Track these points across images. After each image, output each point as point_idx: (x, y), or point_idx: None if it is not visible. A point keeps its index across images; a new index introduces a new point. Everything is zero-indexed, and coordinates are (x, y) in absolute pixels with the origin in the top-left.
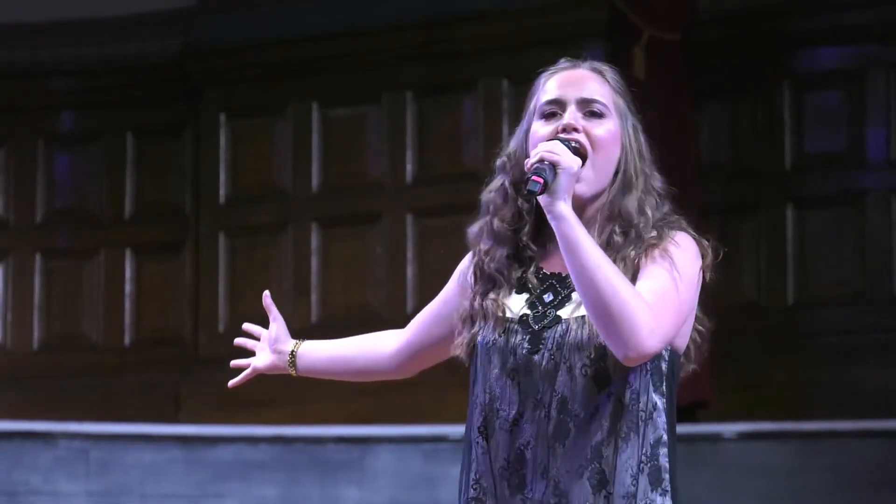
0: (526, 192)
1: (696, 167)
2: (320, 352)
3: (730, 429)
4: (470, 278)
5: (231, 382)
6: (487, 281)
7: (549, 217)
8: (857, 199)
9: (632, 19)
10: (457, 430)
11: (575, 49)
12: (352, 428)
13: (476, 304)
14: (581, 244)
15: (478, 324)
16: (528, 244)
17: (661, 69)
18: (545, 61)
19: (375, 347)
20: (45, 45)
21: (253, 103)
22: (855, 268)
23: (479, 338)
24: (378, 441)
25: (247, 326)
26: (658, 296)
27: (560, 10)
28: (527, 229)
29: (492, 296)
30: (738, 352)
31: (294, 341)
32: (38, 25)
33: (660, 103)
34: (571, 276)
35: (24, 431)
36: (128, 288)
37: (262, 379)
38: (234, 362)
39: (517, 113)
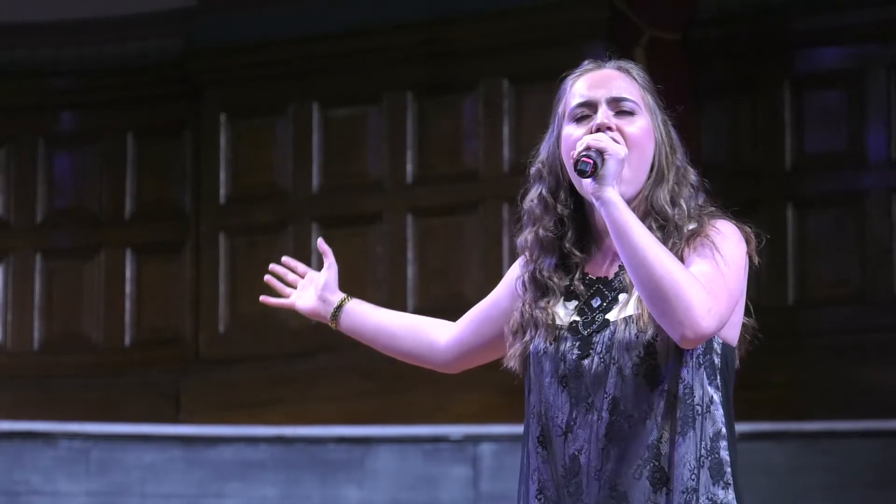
0: (577, 172)
1: (697, 167)
2: (368, 316)
3: None
4: (519, 288)
5: (264, 298)
6: (538, 289)
7: (596, 204)
8: (857, 199)
9: (632, 19)
10: (457, 430)
11: (575, 49)
12: (352, 428)
13: (526, 313)
14: (631, 227)
15: (529, 333)
16: (571, 251)
17: (661, 69)
18: (545, 61)
19: (428, 335)
20: (45, 45)
21: (253, 103)
22: (855, 268)
23: (531, 347)
24: (378, 441)
25: (287, 260)
26: (709, 279)
27: (560, 10)
28: (569, 235)
29: (542, 304)
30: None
31: (343, 295)
32: (38, 25)
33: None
34: (623, 261)
35: (25, 431)
36: (128, 288)
37: (262, 379)
38: (270, 279)
39: (517, 113)
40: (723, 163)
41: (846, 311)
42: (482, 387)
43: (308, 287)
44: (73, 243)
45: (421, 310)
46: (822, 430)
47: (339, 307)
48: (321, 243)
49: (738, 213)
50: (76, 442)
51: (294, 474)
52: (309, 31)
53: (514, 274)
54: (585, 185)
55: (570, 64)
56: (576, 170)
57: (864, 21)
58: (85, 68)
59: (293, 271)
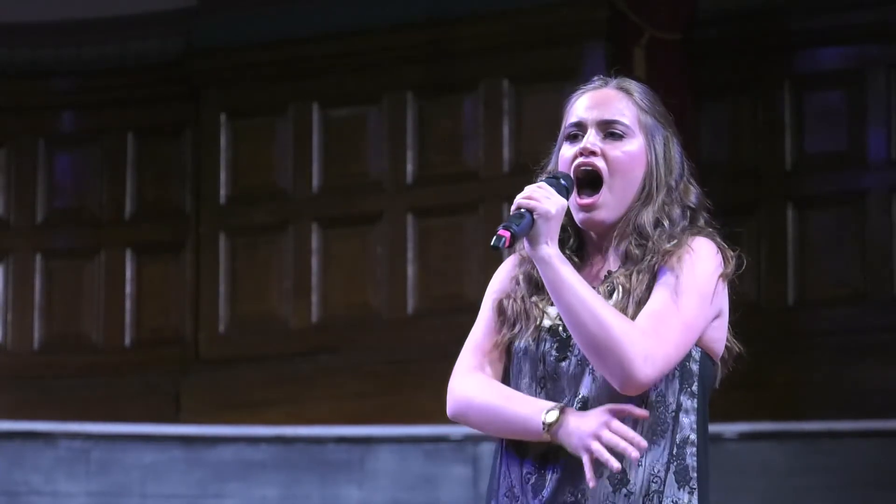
0: (491, 247)
1: (697, 167)
2: None
3: (730, 429)
4: (513, 285)
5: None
6: (532, 286)
7: (534, 261)
8: (857, 199)
9: (632, 19)
10: (457, 430)
11: (575, 49)
12: (352, 428)
13: (518, 306)
14: (567, 284)
15: (518, 325)
16: (570, 256)
17: (661, 69)
18: (545, 61)
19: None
20: (45, 45)
21: (253, 103)
22: (855, 268)
23: (514, 346)
24: (378, 441)
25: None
26: (658, 319)
27: (560, 10)
28: (571, 243)
29: (535, 299)
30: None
31: None
32: (38, 25)
33: None
34: (561, 316)
35: (25, 431)
36: (128, 288)
37: (262, 379)
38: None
39: (517, 113)
40: (723, 163)
41: (846, 311)
42: None
43: None
44: (73, 243)
45: (421, 310)
46: (822, 430)
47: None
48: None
49: (738, 213)
50: (76, 442)
51: (294, 474)
52: (309, 31)
53: (501, 276)
54: (525, 245)
55: (569, 64)
56: (491, 245)
57: (864, 21)
58: (85, 68)
59: None
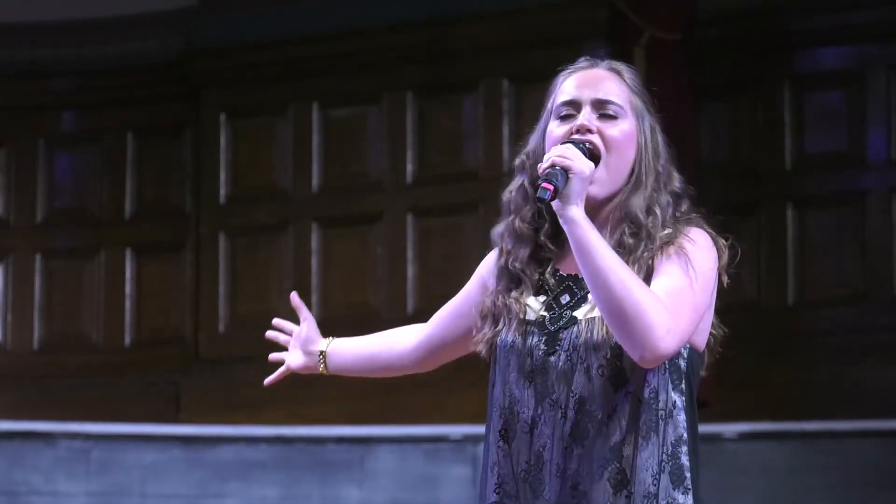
0: (536, 199)
1: (696, 167)
2: (347, 350)
3: (730, 429)
4: (491, 279)
5: (267, 381)
6: (510, 280)
7: (561, 221)
8: (857, 199)
9: (632, 19)
10: (457, 430)
11: (575, 49)
12: (352, 428)
13: (499, 302)
14: (593, 247)
15: (501, 322)
16: (545, 244)
17: (661, 69)
18: (545, 61)
19: (397, 344)
20: (45, 45)
21: (253, 103)
22: (855, 268)
23: (498, 339)
24: (378, 441)
25: (278, 322)
26: (673, 295)
27: (560, 10)
28: (546, 228)
29: (514, 294)
30: (738, 352)
31: (325, 340)
32: (38, 25)
33: (660, 103)
34: (585, 280)
35: (25, 431)
36: (128, 288)
37: (262, 379)
38: (273, 356)
39: (517, 113)
40: (723, 163)
41: (846, 311)
42: (482, 386)
43: (295, 346)
44: (73, 243)
45: (421, 310)
46: (822, 430)
47: (323, 353)
48: (294, 298)
49: (738, 213)
50: (76, 442)
51: (294, 474)
52: (309, 31)
53: (487, 266)
54: (553, 204)
55: (569, 64)
56: (536, 197)
57: (864, 21)
58: (85, 68)
59: (282, 331)
